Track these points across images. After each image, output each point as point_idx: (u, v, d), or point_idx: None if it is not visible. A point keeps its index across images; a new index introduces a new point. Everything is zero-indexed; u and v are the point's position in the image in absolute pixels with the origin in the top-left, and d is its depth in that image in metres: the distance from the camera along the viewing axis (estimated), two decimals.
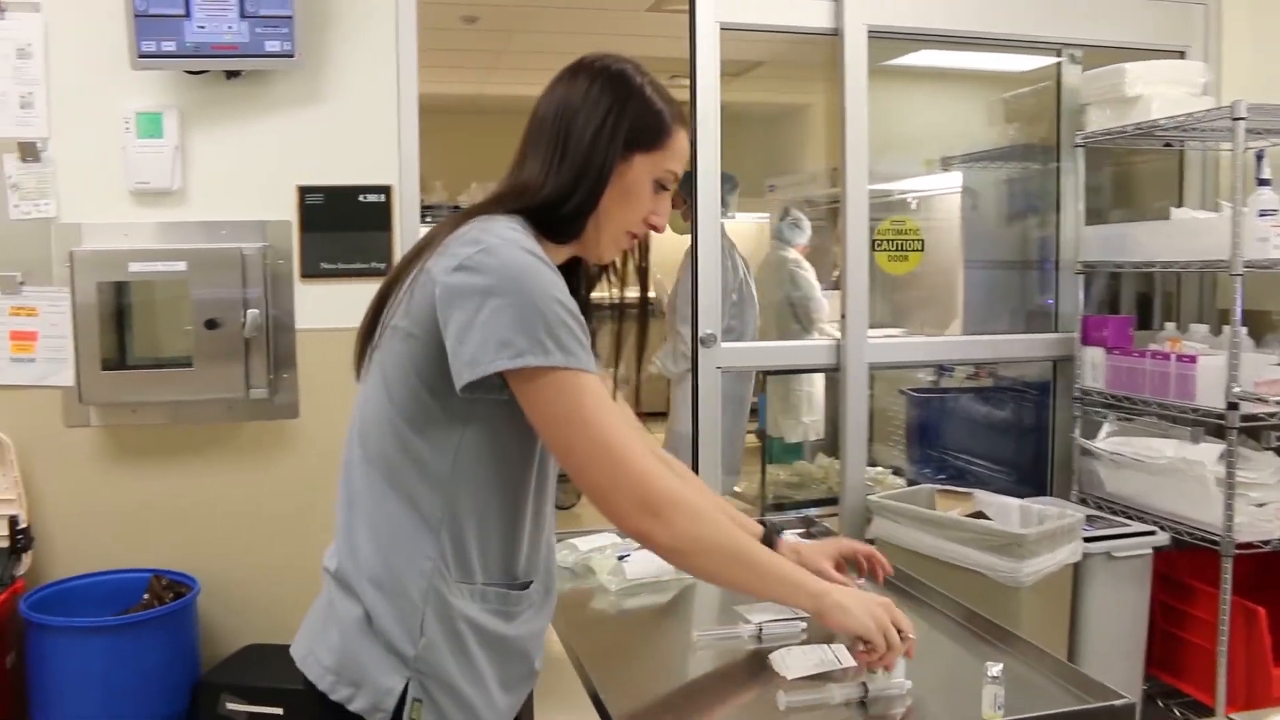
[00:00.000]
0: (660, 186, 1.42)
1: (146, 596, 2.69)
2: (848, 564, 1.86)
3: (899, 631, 1.42)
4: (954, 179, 4.81)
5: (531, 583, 1.42)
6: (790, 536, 1.87)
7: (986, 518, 2.96)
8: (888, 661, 1.42)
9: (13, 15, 2.65)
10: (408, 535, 1.32)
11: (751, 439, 6.27)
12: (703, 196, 3.14)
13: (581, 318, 1.30)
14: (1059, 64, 3.48)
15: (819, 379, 4.90)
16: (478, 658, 1.35)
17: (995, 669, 1.37)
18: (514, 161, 1.43)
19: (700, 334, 3.12)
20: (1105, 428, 3.25)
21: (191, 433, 2.83)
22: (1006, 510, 2.99)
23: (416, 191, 2.91)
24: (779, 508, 4.76)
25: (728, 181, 3.90)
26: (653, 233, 1.48)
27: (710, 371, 3.15)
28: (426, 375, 1.30)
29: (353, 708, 1.31)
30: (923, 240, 3.45)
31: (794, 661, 1.58)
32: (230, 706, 2.59)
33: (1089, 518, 3.07)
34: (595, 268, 1.52)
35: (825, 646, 1.63)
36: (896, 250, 3.41)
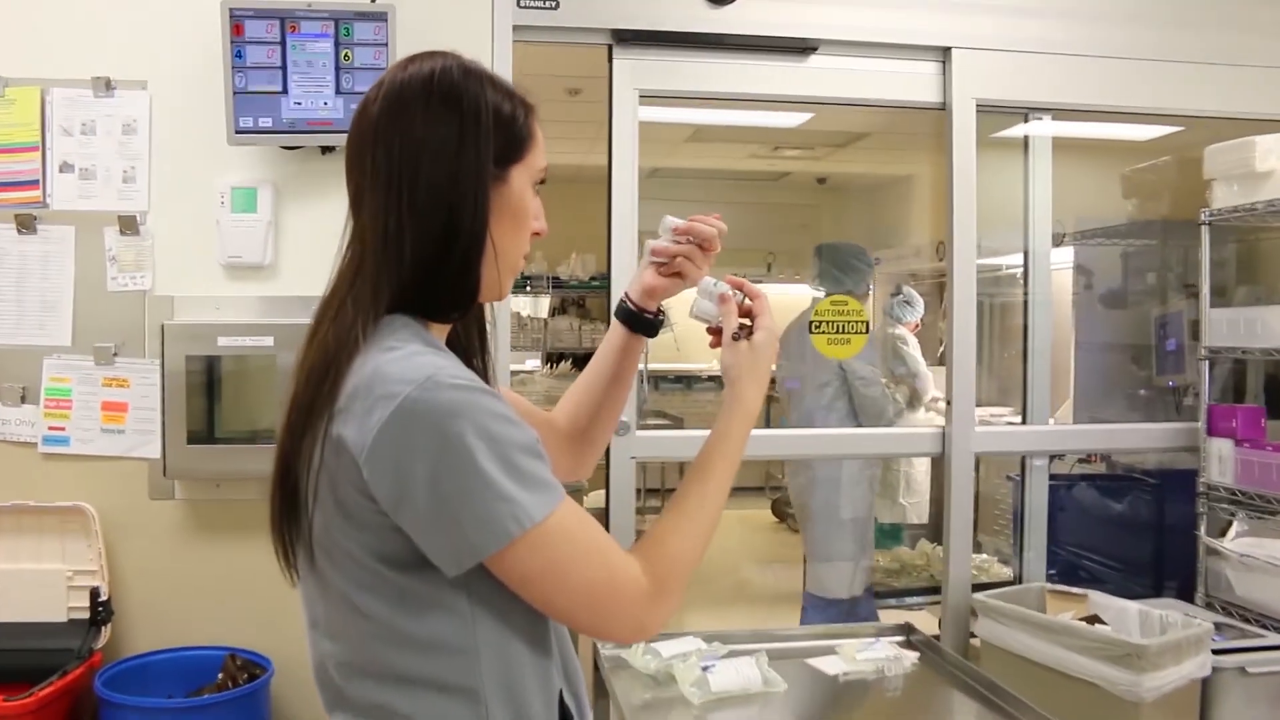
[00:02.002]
0: (534, 189, 1.21)
1: (221, 676, 2.63)
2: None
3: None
4: (1065, 254, 4.64)
5: (571, 711, 1.22)
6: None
7: (1102, 622, 2.76)
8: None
9: (121, 92, 2.69)
10: (431, 690, 1.12)
11: None
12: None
13: (536, 442, 1.09)
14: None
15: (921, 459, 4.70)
16: None
17: None
18: (354, 231, 1.19)
19: None
20: (1235, 526, 3.01)
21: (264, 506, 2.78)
22: (1125, 615, 2.78)
23: None
24: (876, 595, 4.56)
25: (866, 260, 3.78)
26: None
27: (623, 462, 2.92)
28: (401, 560, 1.09)
29: None
30: (867, 323, 3.23)
31: None
32: None
33: (1218, 626, 2.83)
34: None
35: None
36: (837, 333, 3.20)
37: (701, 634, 2.07)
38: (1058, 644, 2.60)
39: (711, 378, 7.59)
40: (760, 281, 7.59)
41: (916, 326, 4.95)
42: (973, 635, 2.82)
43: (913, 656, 2.08)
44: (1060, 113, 3.18)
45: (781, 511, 7.12)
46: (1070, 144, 4.92)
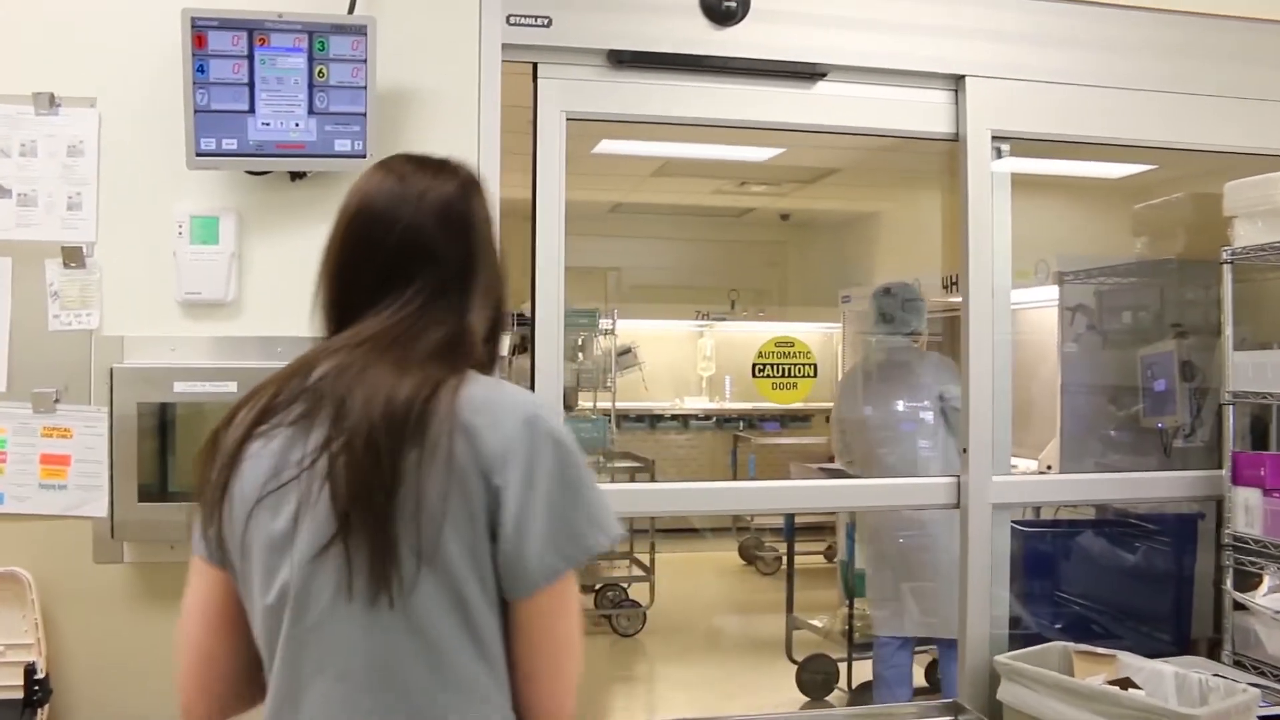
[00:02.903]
0: None
1: None
2: None
3: None
4: (1048, 291, 4.54)
5: None
6: None
7: (1135, 686, 2.58)
8: None
9: (67, 110, 2.43)
10: None
11: (818, 559, 5.93)
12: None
13: None
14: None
15: None
16: None
17: None
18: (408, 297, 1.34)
19: None
20: (1267, 582, 2.85)
21: None
22: (1159, 679, 2.61)
23: None
24: (866, 646, 4.38)
25: (920, 297, 3.60)
26: None
27: None
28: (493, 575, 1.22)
29: None
30: (815, 365, 3.04)
31: None
32: None
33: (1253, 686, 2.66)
34: None
35: None
36: (782, 376, 3.01)
37: (733, 718, 1.85)
38: (1094, 712, 2.42)
39: (675, 416, 7.41)
40: (724, 320, 7.48)
41: None
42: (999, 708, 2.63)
43: None
44: (1077, 147, 3.02)
45: (750, 555, 6.94)
46: (1052, 182, 4.86)
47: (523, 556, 1.18)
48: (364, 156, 2.38)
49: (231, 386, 2.40)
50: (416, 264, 1.33)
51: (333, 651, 1.22)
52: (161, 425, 2.44)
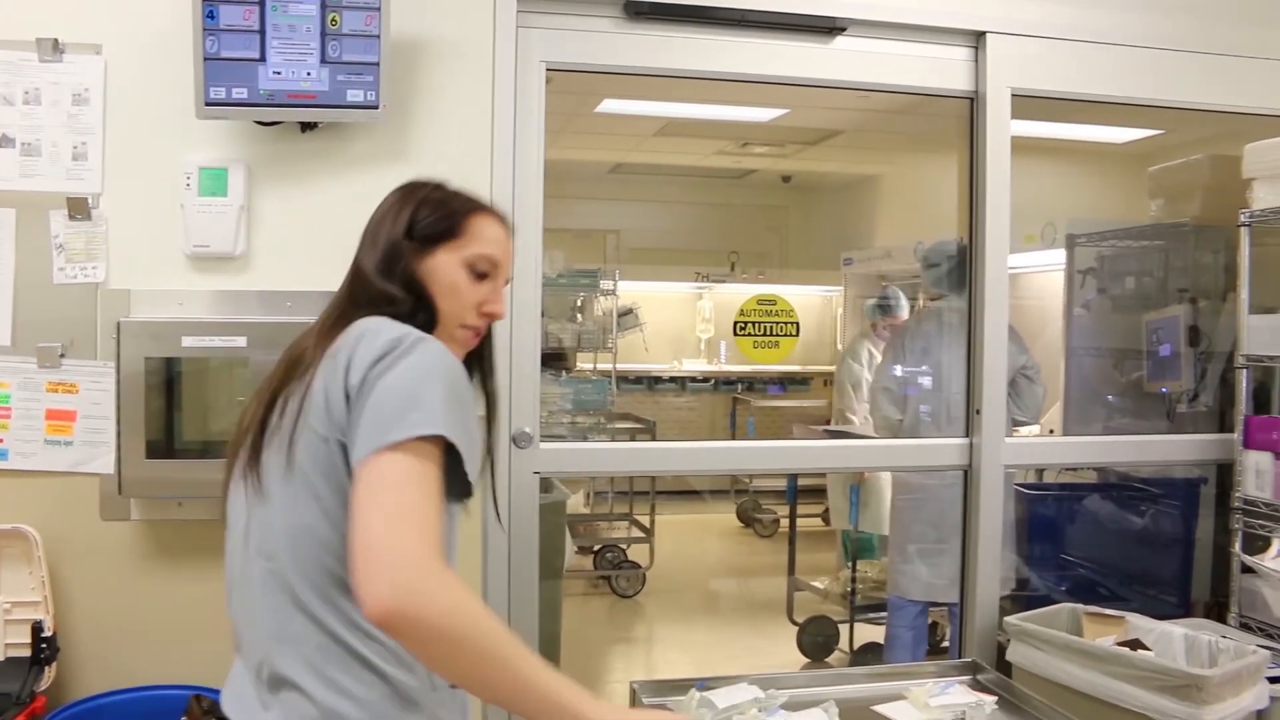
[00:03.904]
0: (479, 274, 1.51)
1: None
2: None
3: None
4: (1056, 255, 4.51)
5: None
6: None
7: (1144, 647, 2.58)
8: None
9: (71, 57, 2.38)
10: (374, 660, 1.31)
11: (817, 522, 5.93)
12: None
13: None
14: None
15: None
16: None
17: None
18: (352, 265, 1.56)
19: (513, 431, 2.63)
20: (1276, 545, 2.85)
21: (203, 530, 2.48)
22: (1168, 640, 2.60)
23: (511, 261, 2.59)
24: (873, 608, 4.39)
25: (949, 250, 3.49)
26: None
27: (525, 478, 2.64)
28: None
29: None
30: (798, 324, 3.01)
31: None
32: None
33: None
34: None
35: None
36: (764, 335, 2.97)
37: (752, 678, 1.83)
38: (1105, 673, 2.41)
39: (673, 379, 7.39)
40: (723, 282, 7.44)
41: (898, 319, 4.80)
42: (1008, 667, 2.62)
43: (991, 700, 1.86)
44: (1094, 106, 2.98)
45: (748, 517, 6.94)
46: (1057, 146, 4.82)
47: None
48: (377, 107, 2.33)
49: (240, 341, 2.37)
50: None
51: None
52: (169, 380, 2.40)
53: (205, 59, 2.25)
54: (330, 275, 2.44)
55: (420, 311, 1.46)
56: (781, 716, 1.64)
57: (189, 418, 2.45)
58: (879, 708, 1.82)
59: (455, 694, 1.40)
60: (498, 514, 1.93)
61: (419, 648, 1.20)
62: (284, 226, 2.46)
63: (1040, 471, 4.00)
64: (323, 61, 2.29)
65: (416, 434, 1.23)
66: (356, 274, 1.52)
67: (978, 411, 2.83)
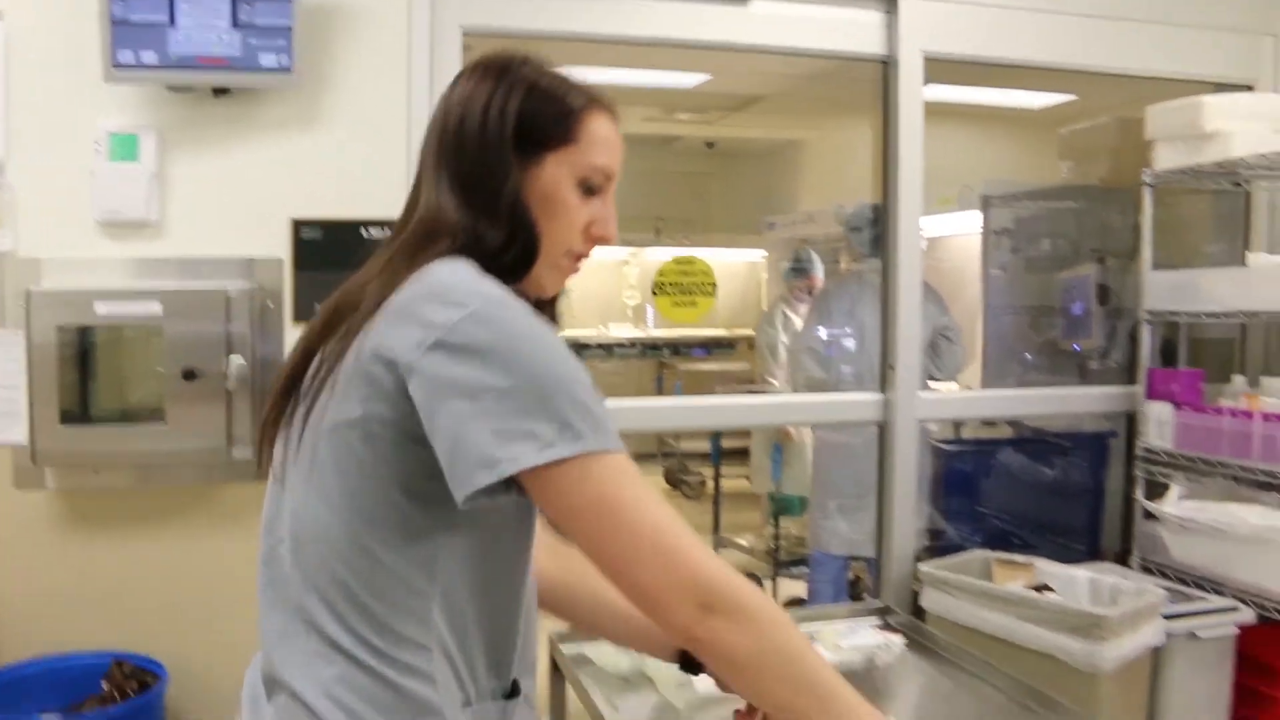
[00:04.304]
0: (590, 189, 1.19)
1: (106, 687, 2.34)
2: None
3: None
4: (971, 218, 4.61)
5: (518, 683, 1.20)
6: None
7: (1050, 590, 2.68)
8: None
9: None
10: (388, 659, 1.07)
11: (731, 483, 6.03)
12: None
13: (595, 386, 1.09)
14: None
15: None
16: None
17: None
18: (413, 188, 1.22)
19: None
20: (1174, 490, 2.97)
21: (163, 496, 2.49)
22: (1073, 583, 2.71)
23: None
24: (796, 562, 4.49)
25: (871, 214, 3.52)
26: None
27: None
28: (406, 479, 1.06)
29: None
30: (715, 284, 3.08)
31: None
32: None
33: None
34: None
35: None
36: (682, 294, 3.05)
37: None
38: (1012, 615, 2.51)
39: (601, 345, 7.42)
40: (650, 247, 7.48)
41: (813, 280, 4.88)
42: (921, 611, 2.71)
43: (899, 640, 1.94)
44: (1007, 70, 3.05)
45: (676, 479, 7.03)
46: (975, 111, 4.92)
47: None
48: (290, 72, 2.32)
49: (155, 308, 2.35)
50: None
51: None
52: (82, 348, 2.38)
53: (112, 22, 2.22)
54: (247, 241, 2.46)
55: (517, 244, 1.15)
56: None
57: (105, 386, 2.43)
58: None
59: (508, 710, 1.20)
60: None
61: (724, 668, 1.08)
62: (198, 193, 2.45)
63: (958, 429, 4.11)
64: (234, 25, 2.28)
65: (584, 450, 1.00)
66: (429, 197, 1.18)
67: (892, 367, 2.90)
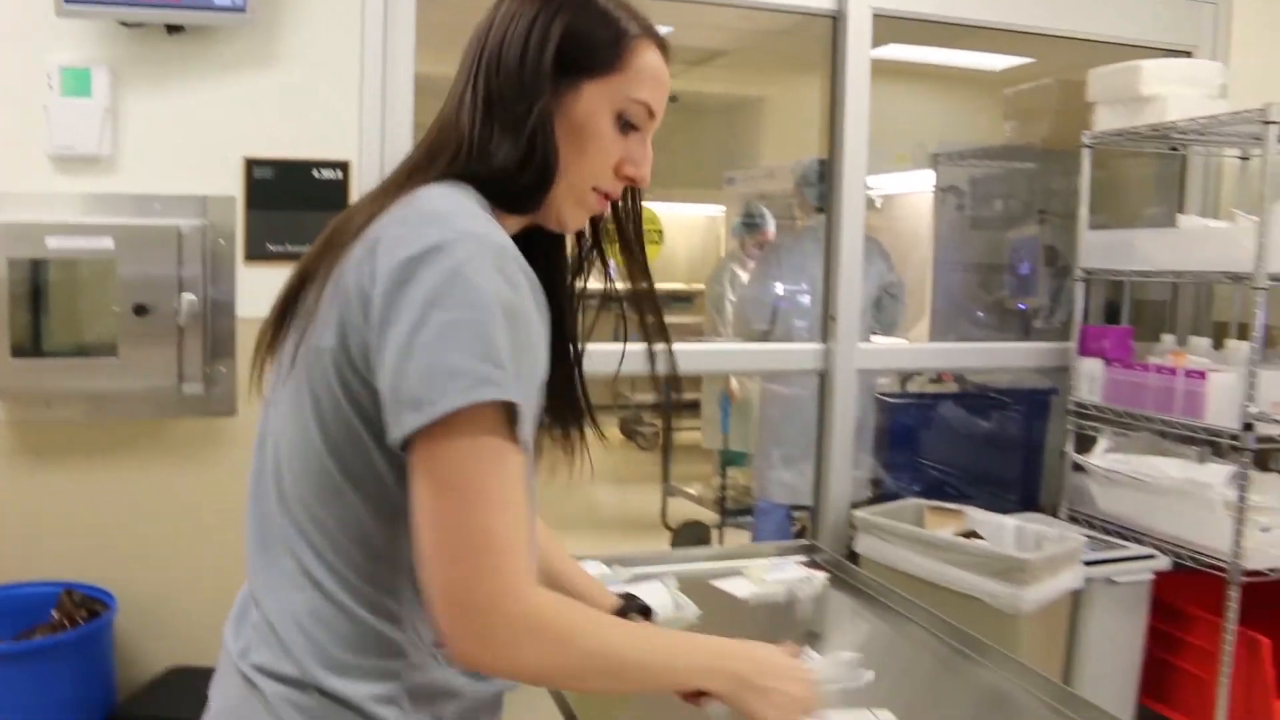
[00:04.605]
0: (627, 124, 1.11)
1: (56, 615, 2.38)
2: None
3: None
4: (925, 177, 4.68)
5: None
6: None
7: (979, 537, 2.79)
8: None
9: None
10: (359, 595, 1.03)
11: (684, 435, 6.12)
12: None
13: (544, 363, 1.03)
14: None
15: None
16: None
17: None
18: (444, 104, 1.13)
19: None
20: (1102, 443, 3.08)
21: (114, 430, 2.53)
22: (1001, 530, 2.81)
23: (380, 169, 2.62)
24: (743, 511, 4.58)
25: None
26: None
27: None
28: (370, 415, 1.00)
29: None
30: (661, 232, 3.14)
31: None
32: None
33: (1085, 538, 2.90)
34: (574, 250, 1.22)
35: (870, 713, 1.42)
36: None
37: (601, 558, 1.96)
38: (940, 559, 2.61)
39: None
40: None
41: (765, 235, 4.94)
42: (854, 555, 2.81)
43: (821, 576, 2.03)
44: (949, 28, 3.10)
45: (630, 430, 7.11)
46: (932, 72, 4.98)
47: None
48: (243, 10, 2.34)
49: (107, 243, 2.38)
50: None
51: None
52: (35, 282, 2.41)
53: None
54: (200, 179, 2.49)
55: (531, 168, 1.07)
56: (621, 588, 1.77)
57: (57, 320, 2.46)
58: (716, 582, 1.97)
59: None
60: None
61: (531, 684, 1.03)
62: (151, 129, 2.46)
63: (904, 383, 4.21)
64: None
65: (471, 401, 0.92)
66: (448, 110, 1.10)
67: (833, 318, 2.98)
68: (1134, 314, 3.54)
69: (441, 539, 0.94)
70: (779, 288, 3.84)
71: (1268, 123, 2.52)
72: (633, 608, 1.48)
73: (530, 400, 0.98)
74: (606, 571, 1.88)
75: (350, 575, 1.03)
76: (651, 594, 1.78)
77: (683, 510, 5.06)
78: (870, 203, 5.68)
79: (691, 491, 5.01)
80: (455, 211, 1.00)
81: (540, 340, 1.02)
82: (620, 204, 1.20)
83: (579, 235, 1.24)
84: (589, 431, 1.28)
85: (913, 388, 4.14)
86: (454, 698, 1.08)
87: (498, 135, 1.06)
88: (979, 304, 4.45)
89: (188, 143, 2.48)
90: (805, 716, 1.11)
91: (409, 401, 0.93)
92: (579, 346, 1.25)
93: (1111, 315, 3.62)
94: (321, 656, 1.02)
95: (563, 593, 1.41)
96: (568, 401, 1.24)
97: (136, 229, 2.42)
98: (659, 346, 1.23)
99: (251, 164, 2.52)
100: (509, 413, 0.95)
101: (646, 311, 1.24)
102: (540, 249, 1.19)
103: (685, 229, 7.80)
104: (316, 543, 1.03)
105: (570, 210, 1.12)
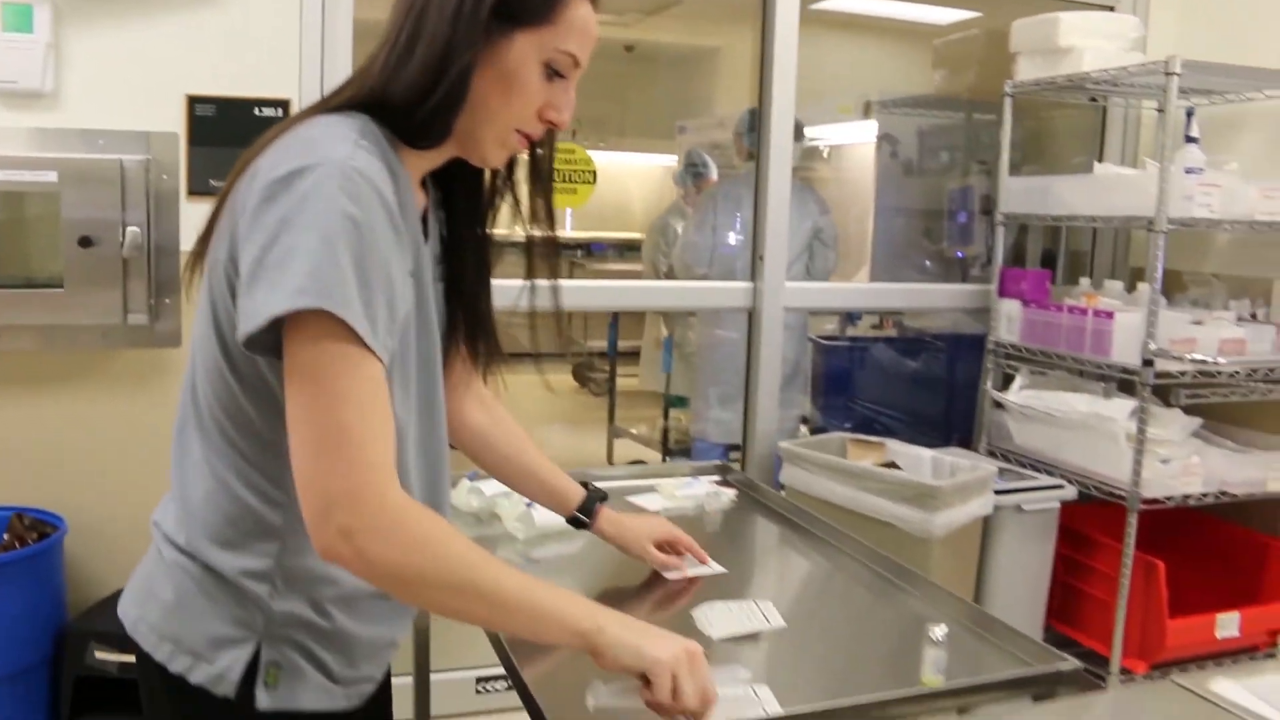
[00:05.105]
0: (553, 72, 1.16)
1: (6, 537, 2.47)
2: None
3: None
4: (869, 128, 4.78)
5: None
6: (611, 511, 1.67)
7: (898, 468, 2.93)
8: (673, 711, 1.10)
9: None
10: (247, 483, 1.13)
11: (632, 381, 6.23)
12: None
13: (397, 293, 1.08)
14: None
15: None
16: (340, 619, 1.18)
17: (939, 632, 1.30)
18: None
19: None
20: (1018, 380, 3.23)
21: (62, 361, 2.61)
22: (919, 461, 2.96)
23: None
24: (684, 452, 4.71)
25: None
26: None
27: None
28: None
29: (193, 679, 1.13)
30: (595, 172, 3.26)
31: (718, 619, 1.49)
32: (99, 655, 2.42)
33: (1000, 471, 3.04)
34: (496, 195, 1.29)
35: (754, 603, 1.55)
36: (564, 182, 3.23)
37: None
38: (859, 487, 2.74)
39: (513, 244, 7.50)
40: (571, 155, 7.57)
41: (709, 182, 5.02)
42: (781, 487, 2.94)
43: (730, 493, 2.15)
44: None
45: (583, 377, 7.21)
46: (880, 25, 5.06)
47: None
48: None
49: (51, 176, 2.44)
50: None
51: None
52: None
53: None
54: (143, 115, 2.55)
55: (432, 100, 1.11)
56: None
57: (3, 252, 2.52)
58: (632, 497, 2.09)
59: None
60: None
61: (382, 587, 1.07)
62: (95, 66, 2.52)
63: (845, 327, 4.34)
64: None
65: (298, 307, 0.99)
66: (375, 50, 1.15)
67: (761, 258, 3.10)
68: (1068, 263, 3.68)
69: (303, 434, 1.01)
70: (717, 232, 3.95)
71: (1169, 74, 2.65)
72: (594, 493, 1.66)
73: (377, 314, 1.03)
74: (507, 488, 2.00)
75: (240, 463, 1.13)
76: None
77: (628, 450, 5.19)
78: (817, 153, 5.80)
79: (636, 433, 5.14)
80: (325, 138, 1.06)
81: (392, 260, 1.06)
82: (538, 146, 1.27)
83: (495, 171, 1.30)
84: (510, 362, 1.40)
85: (858, 335, 4.28)
86: (331, 584, 1.16)
87: (409, 69, 1.11)
88: (920, 252, 4.57)
89: (131, 79, 2.54)
90: (691, 667, 1.10)
91: (249, 311, 1.01)
92: (488, 273, 1.34)
93: (1048, 263, 3.77)
94: (207, 531, 1.14)
95: (531, 482, 1.61)
96: (481, 326, 1.35)
97: (80, 163, 2.48)
98: (547, 281, 1.32)
99: (194, 101, 2.59)
100: (348, 323, 1.01)
101: (544, 247, 1.32)
102: (463, 182, 1.30)
103: (640, 179, 7.88)
104: (213, 433, 1.15)
105: (492, 148, 1.19)
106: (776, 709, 1.21)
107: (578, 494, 1.65)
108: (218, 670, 1.13)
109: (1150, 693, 1.50)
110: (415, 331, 1.19)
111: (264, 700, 1.13)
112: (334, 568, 1.08)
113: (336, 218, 1.01)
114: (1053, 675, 1.31)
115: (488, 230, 1.33)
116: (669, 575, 1.66)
